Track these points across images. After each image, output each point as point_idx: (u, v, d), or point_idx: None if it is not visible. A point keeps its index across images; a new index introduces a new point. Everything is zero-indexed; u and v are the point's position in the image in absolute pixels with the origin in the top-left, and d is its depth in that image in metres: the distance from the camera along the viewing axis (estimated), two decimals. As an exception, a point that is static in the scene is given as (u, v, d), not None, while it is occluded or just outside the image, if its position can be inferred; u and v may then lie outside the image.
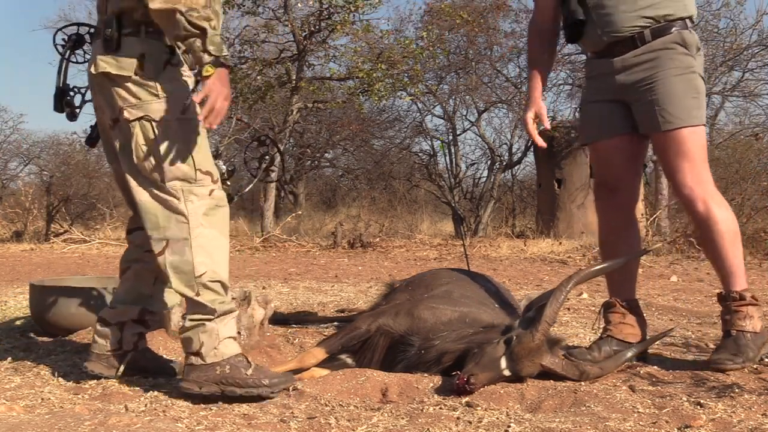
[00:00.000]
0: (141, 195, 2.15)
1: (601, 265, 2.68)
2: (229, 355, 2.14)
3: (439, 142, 15.07)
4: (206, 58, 2.02)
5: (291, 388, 2.25)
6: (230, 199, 2.36)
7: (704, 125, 2.65)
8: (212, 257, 2.15)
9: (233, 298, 2.32)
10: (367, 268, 7.63)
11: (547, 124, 2.76)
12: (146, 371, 2.40)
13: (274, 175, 2.66)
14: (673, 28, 2.56)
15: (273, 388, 2.13)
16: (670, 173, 2.63)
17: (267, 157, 2.55)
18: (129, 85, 2.13)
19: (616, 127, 2.69)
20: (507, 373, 2.30)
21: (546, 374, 2.37)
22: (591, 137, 2.81)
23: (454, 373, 2.27)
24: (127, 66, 2.13)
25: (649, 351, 2.83)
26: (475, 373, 2.21)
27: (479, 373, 2.22)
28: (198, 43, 2.02)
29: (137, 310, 2.40)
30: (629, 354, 2.58)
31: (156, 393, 2.18)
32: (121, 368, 2.36)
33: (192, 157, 2.14)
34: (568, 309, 4.18)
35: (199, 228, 2.13)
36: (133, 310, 2.39)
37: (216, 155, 2.38)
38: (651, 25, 2.55)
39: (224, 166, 2.44)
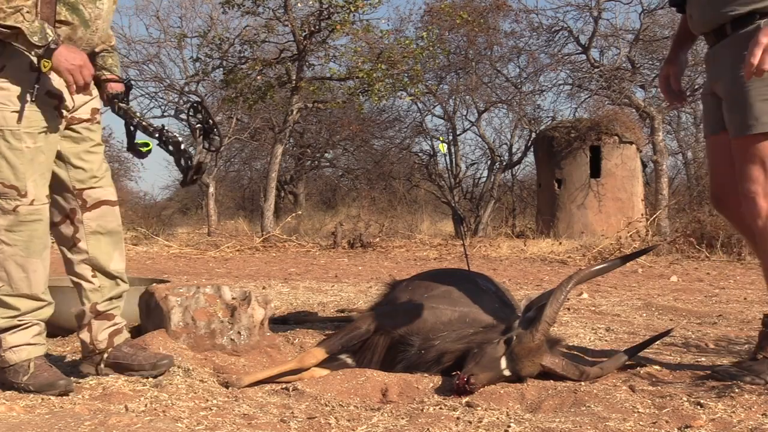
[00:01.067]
0: None
1: (601, 265, 2.67)
2: (16, 360, 2.23)
3: (438, 141, 15.07)
4: (35, 53, 2.09)
5: (291, 388, 2.25)
6: (193, 178, 2.39)
7: None
8: (9, 274, 2.19)
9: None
10: (367, 268, 7.63)
11: (678, 86, 2.54)
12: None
13: (216, 144, 2.53)
14: (756, 21, 2.26)
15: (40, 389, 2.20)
16: (738, 179, 2.38)
17: (201, 124, 2.38)
18: None
19: (715, 125, 2.48)
20: (507, 373, 2.30)
21: (546, 374, 2.37)
22: (704, 132, 2.61)
23: (454, 373, 2.27)
24: None
25: (649, 351, 2.83)
26: (475, 373, 2.21)
27: (479, 373, 2.22)
28: (20, 42, 2.08)
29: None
30: (629, 354, 2.58)
31: (156, 393, 2.18)
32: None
33: None
34: (568, 309, 4.18)
35: None
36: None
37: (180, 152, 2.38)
38: (734, 16, 2.30)
39: (194, 160, 2.38)
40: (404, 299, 2.85)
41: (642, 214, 11.30)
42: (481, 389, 2.23)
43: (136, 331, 2.95)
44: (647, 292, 5.28)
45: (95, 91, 2.43)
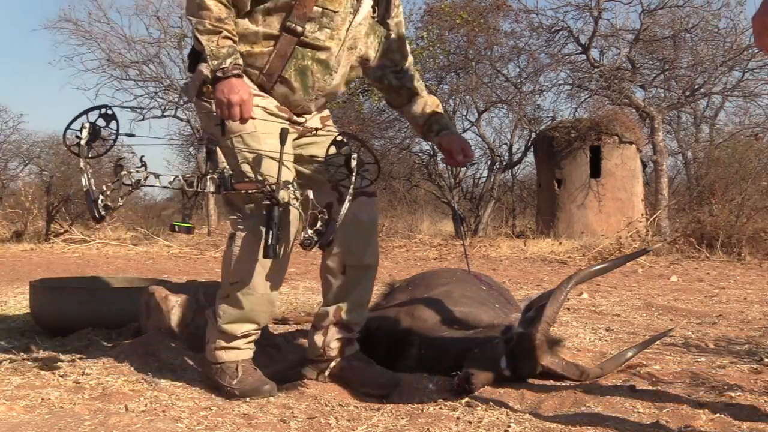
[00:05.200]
0: None
1: (601, 265, 2.67)
2: (225, 360, 2.26)
3: (439, 142, 15.06)
4: (207, 75, 2.08)
5: (291, 388, 2.25)
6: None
7: None
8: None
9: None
10: (367, 268, 7.61)
11: None
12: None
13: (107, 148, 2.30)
14: None
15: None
16: None
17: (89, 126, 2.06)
18: None
19: None
20: (507, 373, 2.30)
21: (546, 374, 2.37)
22: None
23: (454, 373, 2.27)
24: None
25: (649, 351, 2.83)
26: (475, 373, 2.21)
27: (479, 373, 2.22)
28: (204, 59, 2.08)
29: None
30: (629, 354, 2.58)
31: (156, 393, 2.18)
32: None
33: None
34: (568, 309, 4.18)
35: None
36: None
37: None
38: None
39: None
40: (404, 299, 2.85)
41: (642, 214, 11.29)
42: (481, 389, 2.23)
43: (136, 331, 2.95)
44: (647, 292, 5.28)
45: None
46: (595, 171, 11.92)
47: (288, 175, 2.09)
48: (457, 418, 1.97)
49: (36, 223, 12.43)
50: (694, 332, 3.48)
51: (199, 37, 2.08)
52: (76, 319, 3.07)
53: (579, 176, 11.92)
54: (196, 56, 2.22)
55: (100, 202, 1.93)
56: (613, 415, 2.00)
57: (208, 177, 1.97)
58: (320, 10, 2.18)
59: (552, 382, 2.36)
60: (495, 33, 13.47)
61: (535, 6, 24.10)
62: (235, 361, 2.23)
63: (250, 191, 2.04)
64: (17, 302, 4.29)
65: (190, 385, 2.29)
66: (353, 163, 2.11)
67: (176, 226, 2.07)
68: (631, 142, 12.04)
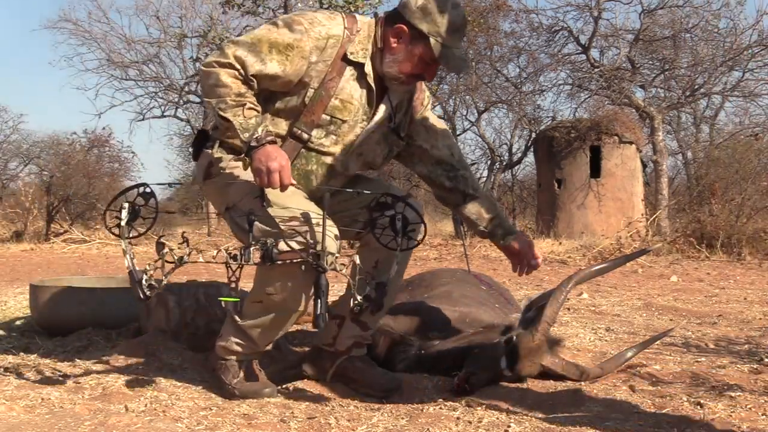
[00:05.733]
0: None
1: (601, 265, 2.67)
2: (230, 357, 2.25)
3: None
4: (241, 147, 2.03)
5: (291, 388, 2.25)
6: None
7: None
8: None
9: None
10: (367, 268, 7.61)
11: None
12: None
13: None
14: None
15: None
16: None
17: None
18: None
19: None
20: (507, 373, 2.30)
21: (546, 374, 2.37)
22: None
23: (454, 373, 2.27)
24: None
25: (649, 351, 2.83)
26: (475, 373, 2.21)
27: (479, 373, 2.22)
28: (234, 135, 2.04)
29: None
30: (629, 354, 2.58)
31: (156, 393, 2.18)
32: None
33: None
34: (568, 309, 4.18)
35: None
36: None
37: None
38: None
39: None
40: (404, 299, 2.85)
41: (642, 214, 11.29)
42: (481, 389, 2.23)
43: (137, 331, 2.95)
44: (647, 292, 5.28)
45: None
46: (595, 171, 11.92)
47: (332, 246, 2.00)
48: (457, 418, 1.97)
49: (36, 223, 12.44)
50: (694, 332, 3.48)
51: (224, 115, 2.03)
52: (76, 319, 3.07)
53: (579, 176, 11.92)
54: (201, 143, 2.21)
55: (144, 281, 1.91)
56: (613, 415, 2.00)
57: (251, 249, 1.93)
58: (328, 117, 2.17)
59: (552, 382, 2.35)
60: (495, 33, 13.47)
61: (535, 6, 24.11)
62: (240, 360, 2.23)
63: (294, 261, 1.98)
64: (17, 302, 4.28)
65: (190, 385, 2.29)
66: (398, 224, 2.05)
67: (223, 303, 2.07)
68: (631, 142, 12.03)
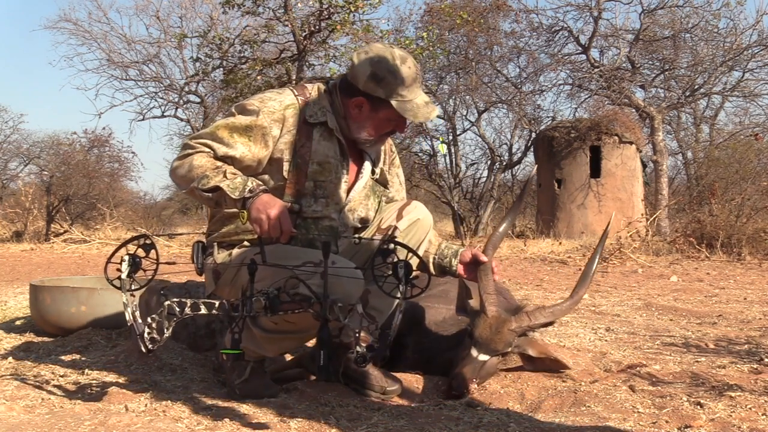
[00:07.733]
0: None
1: (504, 224, 2.55)
2: None
3: (438, 142, 15.07)
4: (238, 207, 2.02)
5: (291, 388, 2.25)
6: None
7: None
8: None
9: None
10: (367, 268, 7.61)
11: None
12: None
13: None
14: None
15: None
16: None
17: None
18: None
19: None
20: (483, 358, 2.28)
21: (546, 374, 2.36)
22: None
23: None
24: None
25: (649, 351, 2.83)
26: (460, 372, 2.22)
27: (462, 371, 2.23)
28: (227, 201, 2.03)
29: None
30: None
31: (156, 393, 2.18)
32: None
33: None
34: (568, 309, 4.17)
35: None
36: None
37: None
38: None
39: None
40: (404, 299, 2.84)
41: (642, 214, 11.30)
42: (481, 389, 2.23)
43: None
44: (647, 292, 5.28)
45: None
46: (595, 171, 11.93)
47: (340, 291, 1.98)
48: (457, 418, 1.97)
49: (36, 223, 12.44)
50: (694, 332, 3.48)
51: (209, 186, 2.02)
52: (76, 319, 3.07)
53: (579, 176, 11.93)
54: (201, 251, 2.22)
55: (146, 335, 1.89)
56: (613, 415, 2.00)
57: (253, 299, 1.93)
58: (312, 183, 2.19)
59: (552, 381, 2.35)
60: (495, 33, 13.49)
61: (535, 6, 24.11)
62: (247, 360, 2.23)
63: (297, 311, 1.96)
64: (17, 302, 4.29)
65: (190, 385, 2.29)
66: (401, 272, 1.98)
67: (224, 355, 2.07)
68: (631, 142, 12.05)
